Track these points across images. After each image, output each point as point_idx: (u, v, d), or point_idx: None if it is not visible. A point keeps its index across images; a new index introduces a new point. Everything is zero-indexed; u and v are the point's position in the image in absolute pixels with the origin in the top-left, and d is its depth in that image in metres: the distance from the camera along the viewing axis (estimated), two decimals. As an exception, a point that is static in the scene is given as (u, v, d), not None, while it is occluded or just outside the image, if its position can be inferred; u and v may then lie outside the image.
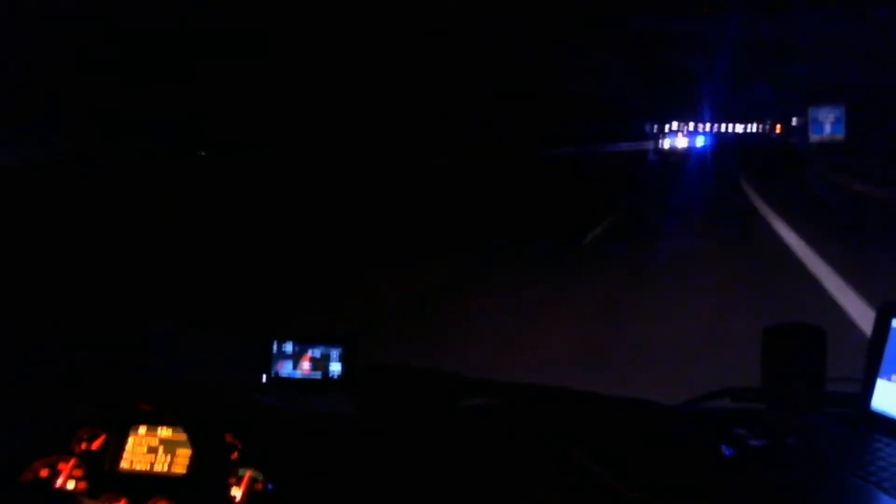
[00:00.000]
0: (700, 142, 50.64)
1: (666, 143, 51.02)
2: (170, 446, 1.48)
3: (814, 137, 24.33)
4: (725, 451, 1.27)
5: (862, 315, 5.13)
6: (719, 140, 48.61)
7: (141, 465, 1.47)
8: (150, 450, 1.48)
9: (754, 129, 57.22)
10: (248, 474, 1.39)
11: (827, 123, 23.92)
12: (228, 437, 1.42)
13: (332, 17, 15.50)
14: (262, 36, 15.10)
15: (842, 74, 23.07)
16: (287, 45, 15.72)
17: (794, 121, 36.66)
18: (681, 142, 53.69)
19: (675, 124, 55.47)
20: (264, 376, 1.64)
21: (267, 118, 16.46)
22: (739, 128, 58.06)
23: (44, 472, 1.43)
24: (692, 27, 20.42)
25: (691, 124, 54.95)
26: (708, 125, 53.57)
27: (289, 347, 1.64)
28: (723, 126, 55.88)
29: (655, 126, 52.29)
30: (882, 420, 1.31)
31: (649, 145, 46.90)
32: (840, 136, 23.66)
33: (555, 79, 27.49)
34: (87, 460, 1.46)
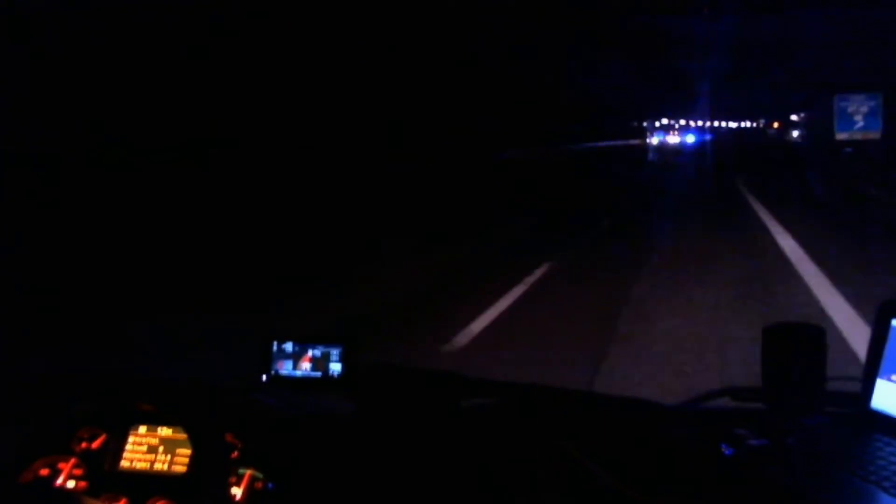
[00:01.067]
0: (691, 139, 50.49)
1: (654, 140, 51.06)
2: (170, 446, 1.48)
3: (840, 134, 19.25)
4: (725, 450, 1.27)
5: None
6: (715, 137, 48.50)
7: (141, 465, 1.47)
8: (150, 449, 1.48)
9: (748, 126, 57.18)
10: (248, 474, 1.39)
11: (859, 116, 18.85)
12: (228, 437, 1.42)
13: (319, 17, 15.52)
14: (256, 34, 15.12)
15: (844, 70, 21.93)
16: (275, 41, 15.71)
17: (795, 116, 35.75)
18: (672, 139, 53.69)
19: (664, 120, 55.24)
20: (264, 376, 1.64)
21: (261, 116, 16.47)
22: (733, 125, 57.97)
23: (44, 472, 1.43)
24: (685, 23, 20.24)
25: (682, 121, 54.75)
26: (700, 122, 53.39)
27: (289, 347, 1.63)
28: (716, 122, 55.78)
29: (645, 122, 52.12)
30: (882, 420, 1.31)
31: (637, 142, 47.05)
32: (876, 132, 18.74)
33: (540, 72, 26.67)
34: (87, 460, 1.46)
